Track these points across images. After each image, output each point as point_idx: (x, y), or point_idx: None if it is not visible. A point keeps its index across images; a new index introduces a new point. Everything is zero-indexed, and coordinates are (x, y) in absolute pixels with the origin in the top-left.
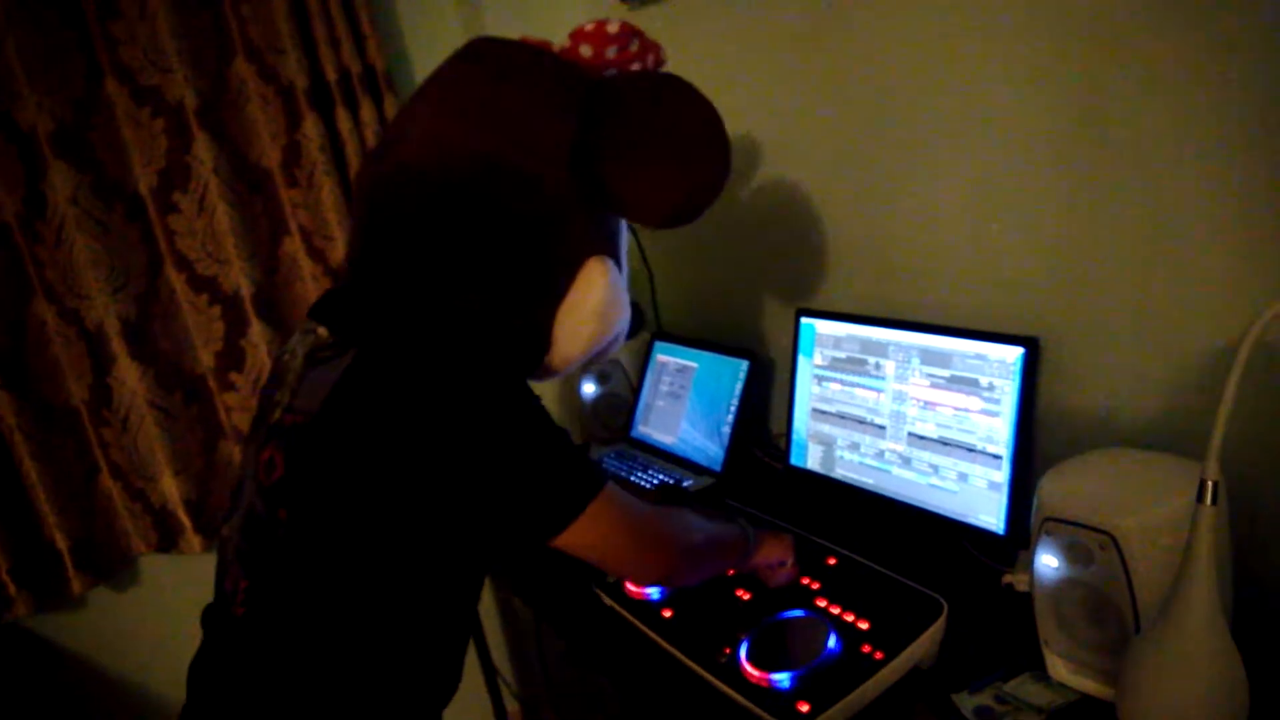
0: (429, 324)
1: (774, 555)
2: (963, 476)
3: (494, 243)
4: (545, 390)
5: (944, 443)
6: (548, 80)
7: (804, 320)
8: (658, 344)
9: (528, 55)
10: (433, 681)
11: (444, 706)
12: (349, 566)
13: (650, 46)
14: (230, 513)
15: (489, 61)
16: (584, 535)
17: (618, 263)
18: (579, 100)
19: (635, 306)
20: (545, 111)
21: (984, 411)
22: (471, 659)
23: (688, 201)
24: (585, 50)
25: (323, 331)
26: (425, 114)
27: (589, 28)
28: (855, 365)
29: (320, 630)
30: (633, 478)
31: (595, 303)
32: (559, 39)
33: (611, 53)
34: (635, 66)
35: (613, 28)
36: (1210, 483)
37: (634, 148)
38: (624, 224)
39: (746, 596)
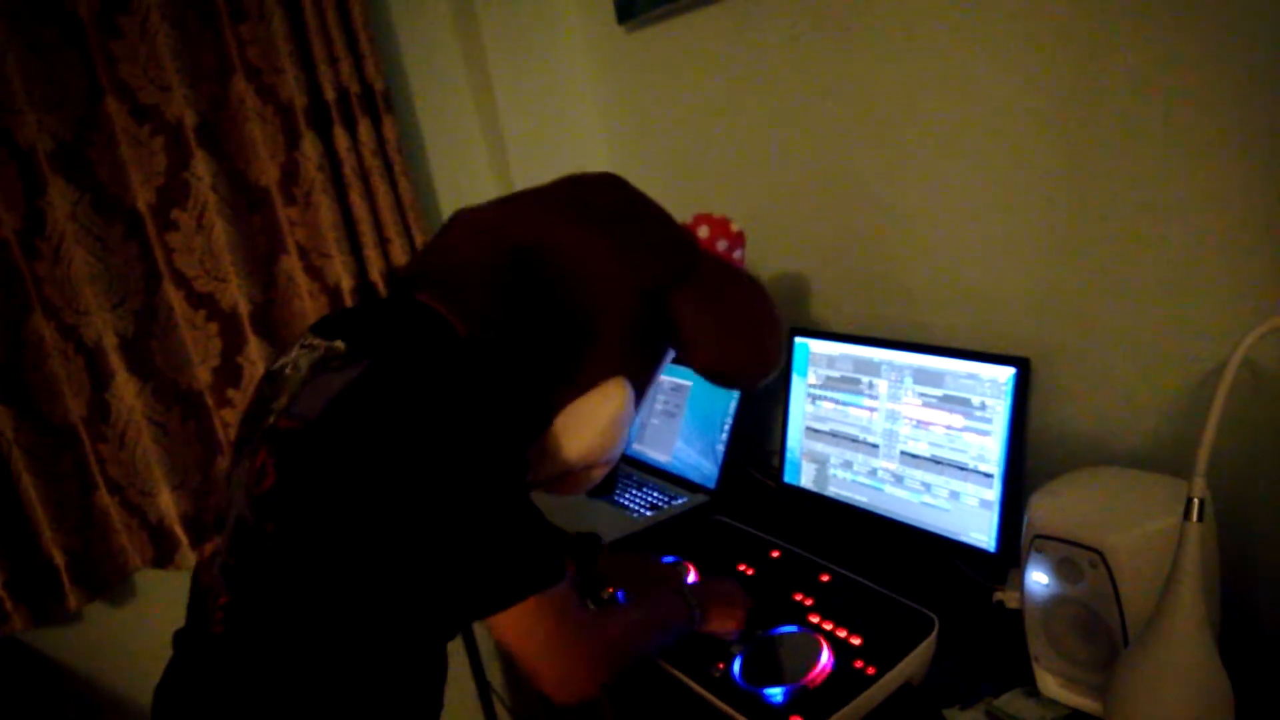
0: (448, 353)
1: (724, 613)
2: (954, 495)
3: (551, 318)
4: None
5: (936, 461)
6: (659, 223)
7: (798, 339)
8: None
9: (656, 206)
10: (412, 709)
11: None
12: (330, 586)
13: (741, 261)
14: (219, 528)
15: (619, 191)
16: (513, 625)
17: (637, 398)
18: (681, 251)
19: (612, 472)
20: (648, 245)
21: (975, 430)
22: (465, 672)
23: (736, 366)
24: (703, 231)
25: (338, 344)
26: (550, 204)
27: (718, 216)
28: (849, 384)
29: (297, 651)
30: (626, 496)
31: (605, 415)
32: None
33: (722, 245)
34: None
35: (735, 227)
36: (1197, 500)
37: (715, 302)
38: (659, 373)
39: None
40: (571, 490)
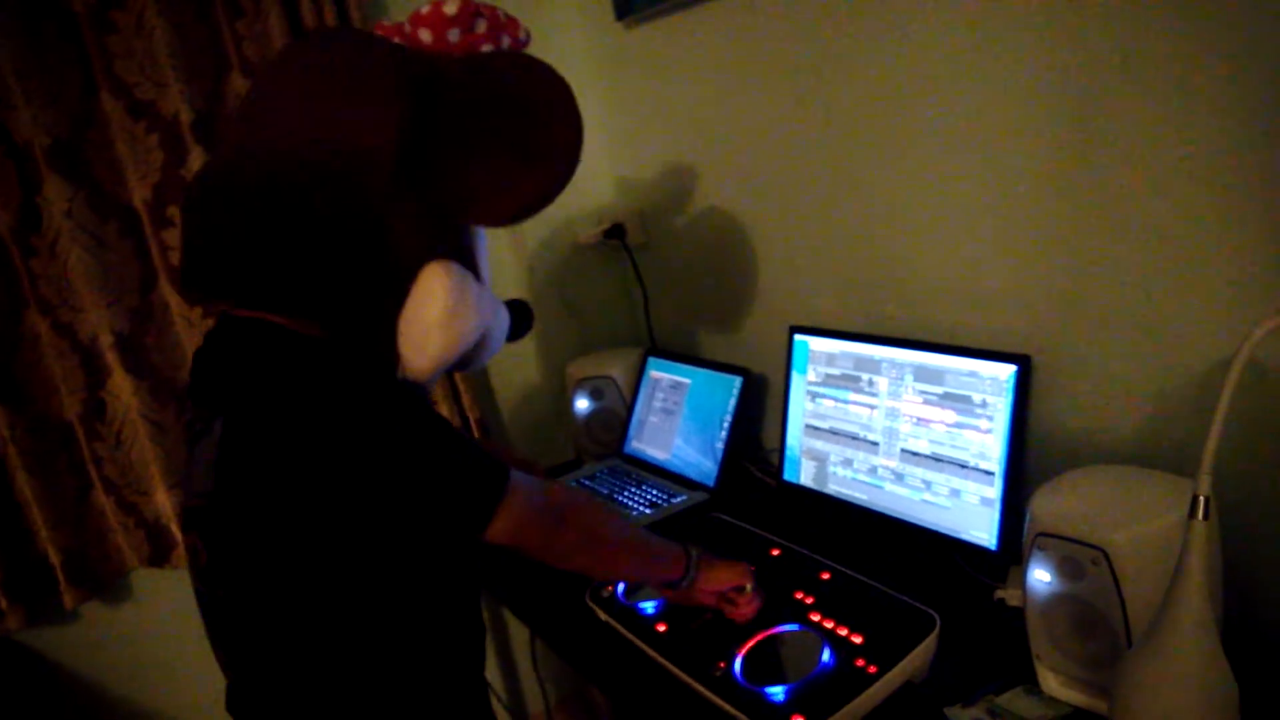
0: (279, 373)
1: (724, 581)
2: (955, 492)
3: (316, 255)
4: (539, 403)
5: (936, 459)
6: (371, 73)
7: (798, 337)
8: (652, 360)
9: (350, 47)
10: (451, 689)
11: (479, 687)
12: (305, 623)
13: (505, 25)
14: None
15: (304, 58)
16: (501, 532)
17: (471, 268)
18: (411, 91)
19: (518, 305)
20: (365, 108)
21: (976, 428)
22: None
23: (529, 198)
24: (424, 35)
25: (194, 406)
26: (242, 118)
27: (425, 10)
28: (848, 382)
29: (315, 685)
30: (625, 494)
31: (436, 312)
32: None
33: (454, 36)
34: (486, 49)
35: (450, 8)
36: (1202, 498)
37: (468, 138)
38: (478, 235)
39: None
40: (472, 365)
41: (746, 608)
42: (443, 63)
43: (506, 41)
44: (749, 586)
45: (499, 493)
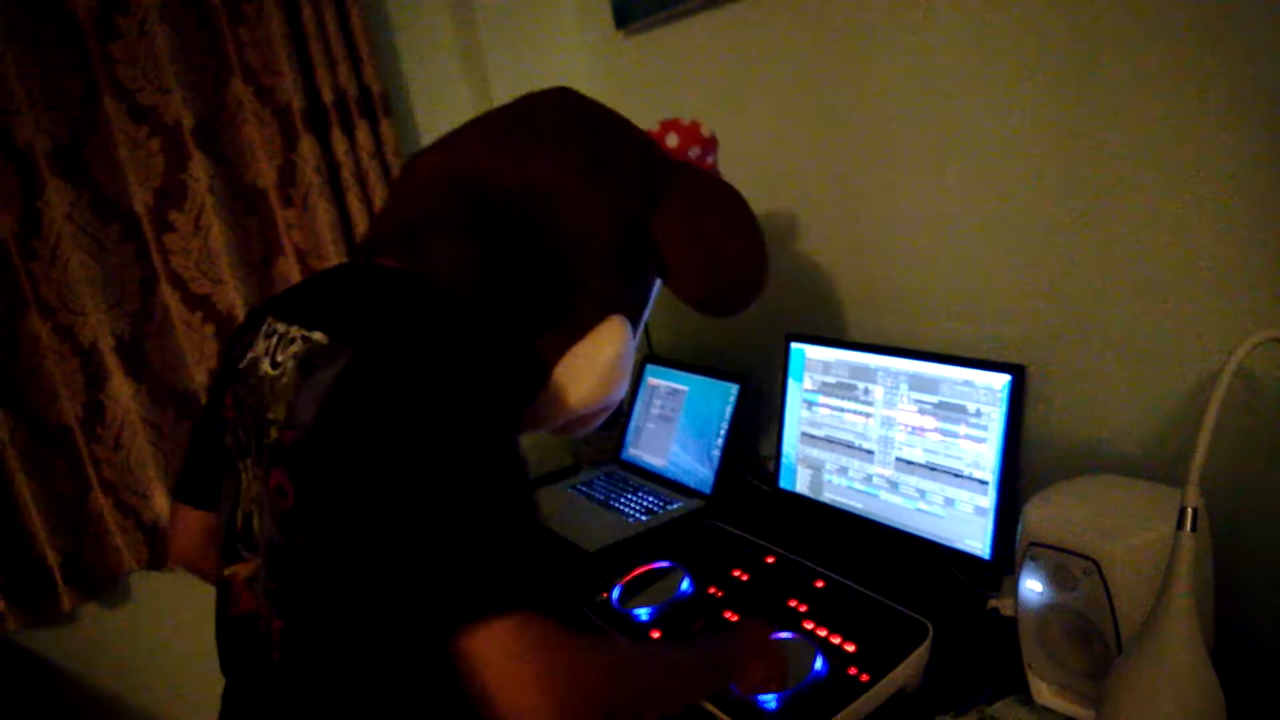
0: (435, 330)
1: (760, 680)
2: (949, 501)
3: (528, 264)
4: None
5: (931, 468)
6: (631, 139)
7: (794, 345)
8: (649, 367)
9: (610, 114)
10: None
11: None
12: (370, 589)
13: (717, 169)
14: (231, 551)
15: (572, 108)
16: (475, 648)
17: (633, 332)
18: (653, 170)
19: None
20: (622, 163)
21: (971, 438)
22: None
23: (728, 289)
24: (671, 140)
25: (319, 337)
26: (502, 136)
27: (685, 123)
28: (844, 390)
29: (359, 666)
30: (621, 500)
31: (607, 358)
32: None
33: (694, 153)
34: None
35: (706, 131)
36: (1190, 509)
37: (693, 222)
38: (650, 303)
39: (734, 619)
40: (579, 430)
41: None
42: (679, 164)
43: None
44: (779, 676)
45: (498, 607)
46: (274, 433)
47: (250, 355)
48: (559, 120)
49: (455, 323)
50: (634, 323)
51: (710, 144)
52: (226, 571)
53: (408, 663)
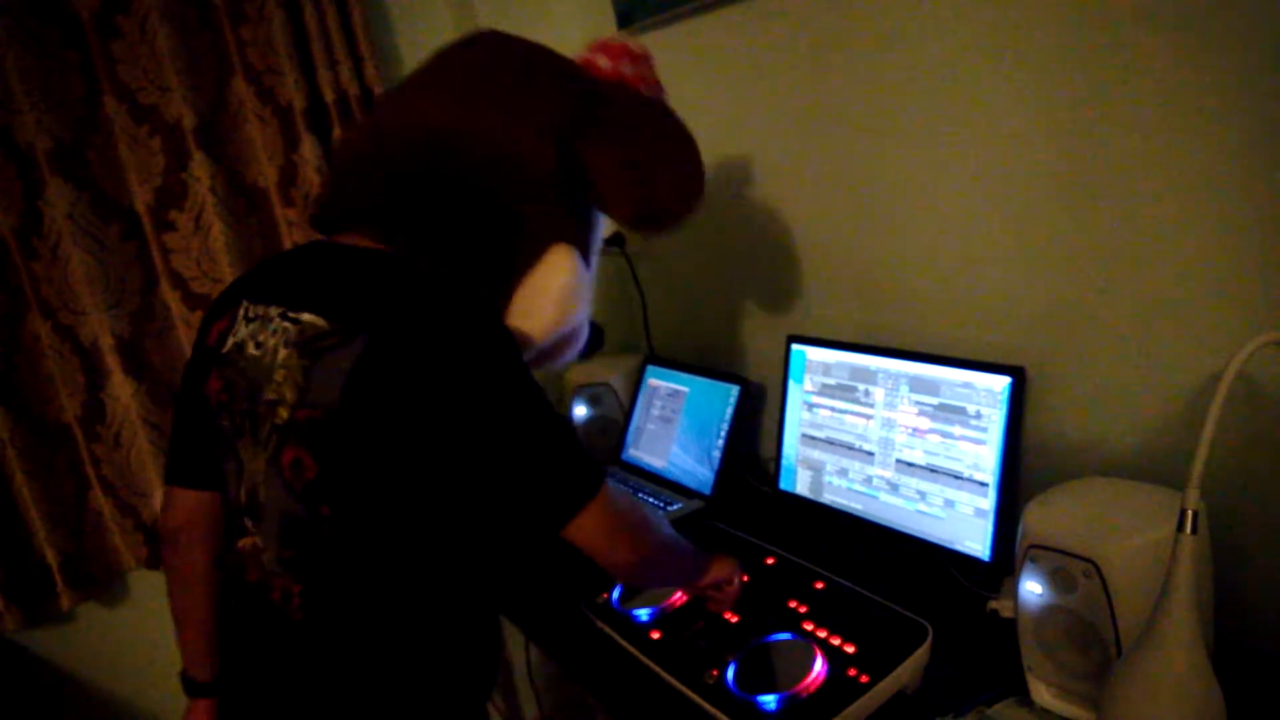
0: (427, 296)
1: (722, 573)
2: (949, 503)
3: (465, 211)
4: None
5: (931, 469)
6: (550, 68)
7: (794, 347)
8: (649, 368)
9: (531, 49)
10: (477, 665)
11: (488, 692)
12: (397, 551)
13: (656, 84)
14: (239, 527)
15: (492, 45)
16: (579, 532)
17: (586, 260)
18: (580, 94)
19: (595, 326)
20: (541, 93)
21: (971, 439)
22: None
23: (659, 206)
24: (602, 61)
25: (310, 319)
26: (418, 89)
27: (613, 41)
28: (845, 392)
29: (379, 619)
30: None
31: (557, 286)
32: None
33: (627, 69)
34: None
35: (635, 47)
36: (1191, 512)
37: (622, 146)
38: (598, 230)
39: (734, 619)
40: (551, 363)
41: (726, 596)
42: (607, 85)
43: (655, 95)
44: (735, 580)
45: (591, 491)
46: (284, 413)
47: (233, 340)
48: (476, 64)
49: (439, 295)
50: (584, 251)
51: (641, 58)
52: (238, 545)
53: (437, 606)
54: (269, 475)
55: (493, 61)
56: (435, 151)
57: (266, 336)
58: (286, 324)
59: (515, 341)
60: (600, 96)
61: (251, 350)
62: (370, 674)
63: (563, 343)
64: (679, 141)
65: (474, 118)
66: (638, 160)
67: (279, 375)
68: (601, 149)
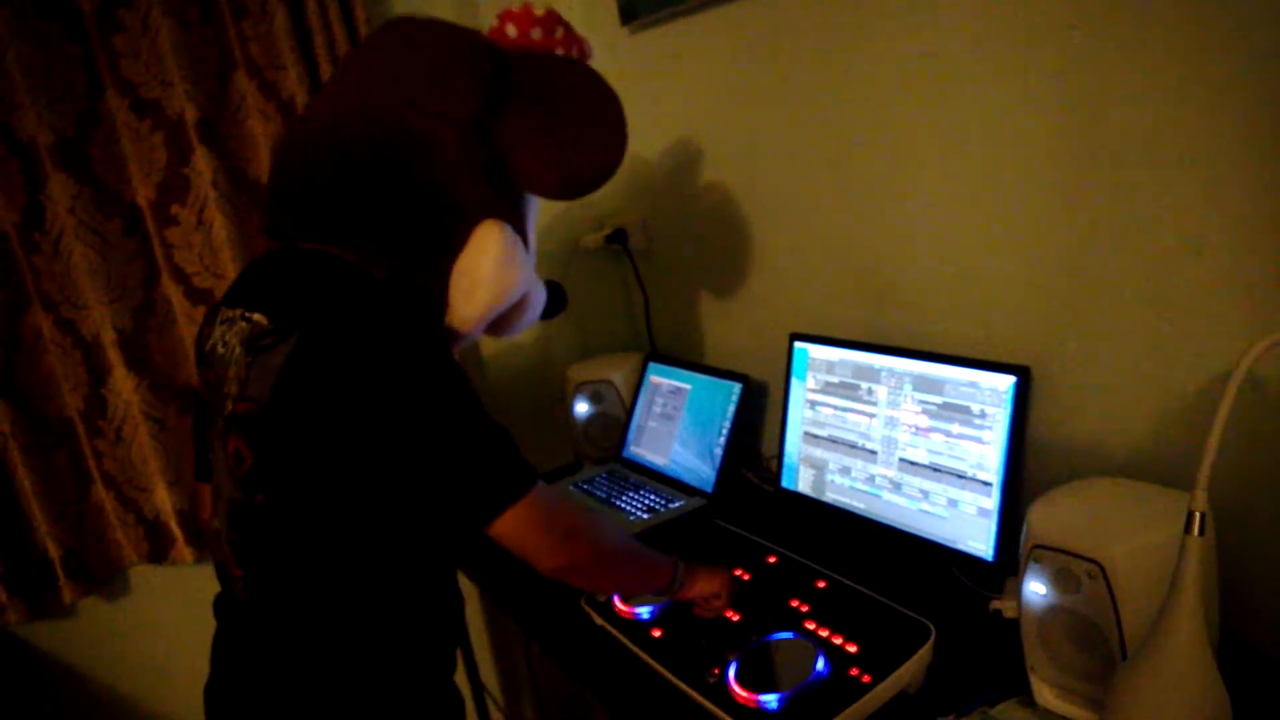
0: (358, 297)
1: (708, 589)
2: (953, 502)
3: (395, 202)
4: (538, 406)
5: (935, 469)
6: (455, 50)
7: (797, 345)
8: (651, 365)
9: (437, 28)
10: (432, 642)
11: (449, 669)
12: (329, 537)
13: (576, 40)
14: (214, 506)
15: (399, 33)
16: (502, 531)
17: (520, 233)
18: (489, 72)
19: (555, 286)
20: (448, 78)
21: (975, 439)
22: (460, 675)
23: (574, 176)
24: (510, 30)
25: (258, 318)
26: (335, 81)
27: (515, 8)
28: (848, 390)
29: (318, 603)
30: (623, 498)
31: (489, 263)
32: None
33: (536, 34)
34: (559, 54)
35: (539, 10)
36: (1198, 514)
37: (532, 119)
38: (530, 204)
39: (736, 618)
40: (510, 330)
41: (713, 608)
42: (519, 54)
43: (575, 53)
44: (724, 595)
45: (518, 492)
46: (229, 405)
47: (210, 341)
48: (384, 51)
49: (368, 296)
50: (516, 223)
51: (549, 21)
52: (212, 526)
53: (362, 591)
54: (217, 461)
55: (399, 47)
56: (354, 141)
57: (230, 336)
58: (243, 323)
59: (443, 339)
60: (507, 69)
61: (219, 349)
62: (315, 653)
63: (512, 313)
64: (589, 100)
65: (382, 104)
66: (549, 128)
67: (231, 371)
68: (511, 123)
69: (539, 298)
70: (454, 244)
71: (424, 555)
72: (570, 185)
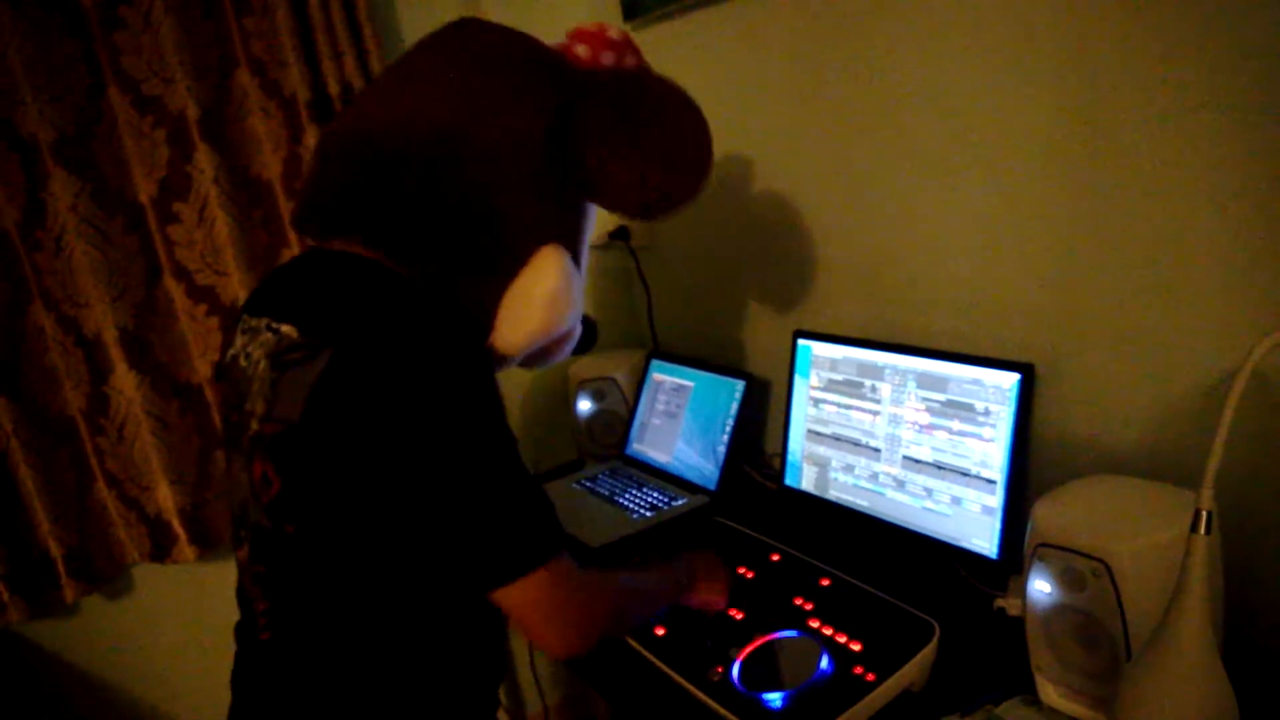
0: (398, 309)
1: (710, 595)
2: (956, 500)
3: (448, 213)
4: (541, 404)
5: (938, 466)
6: (528, 64)
7: (801, 342)
8: (654, 363)
9: (511, 37)
10: (469, 679)
11: (493, 699)
12: (361, 573)
13: (643, 65)
14: (238, 537)
15: (470, 39)
16: (506, 600)
17: (576, 260)
18: (561, 87)
19: (589, 321)
20: (520, 92)
21: (979, 436)
22: None
23: (660, 199)
24: (581, 50)
25: (288, 330)
26: (398, 82)
27: (590, 28)
28: (851, 388)
29: (344, 644)
30: (626, 496)
31: (545, 290)
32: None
33: (607, 59)
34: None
35: (614, 34)
36: (1205, 512)
37: (619, 133)
38: (589, 225)
39: (739, 616)
40: (545, 362)
41: (710, 605)
42: (592, 73)
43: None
44: (725, 596)
45: (535, 561)
46: (254, 425)
47: (230, 352)
48: (459, 54)
49: (412, 309)
50: (573, 250)
51: (622, 45)
52: (238, 555)
53: (398, 634)
54: (242, 485)
55: (476, 52)
56: (420, 147)
57: (254, 348)
58: (269, 335)
59: (489, 367)
60: (588, 86)
61: (242, 362)
62: (348, 696)
63: (554, 345)
64: (686, 121)
65: (459, 112)
66: (632, 146)
67: (255, 387)
68: (591, 139)
69: (578, 332)
70: (504, 261)
71: (468, 591)
72: (652, 206)
